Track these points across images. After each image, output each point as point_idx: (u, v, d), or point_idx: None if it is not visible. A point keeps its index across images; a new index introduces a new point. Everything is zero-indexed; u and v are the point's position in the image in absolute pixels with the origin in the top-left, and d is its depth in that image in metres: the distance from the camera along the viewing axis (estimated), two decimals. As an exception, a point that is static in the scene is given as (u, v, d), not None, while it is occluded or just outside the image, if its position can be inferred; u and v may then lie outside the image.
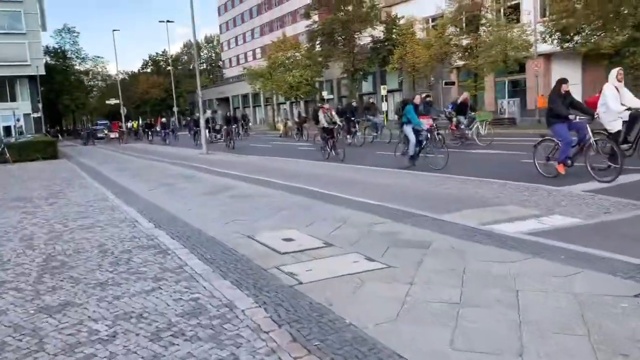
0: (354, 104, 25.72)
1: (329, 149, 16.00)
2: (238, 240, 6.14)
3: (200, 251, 5.68)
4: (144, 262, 5.38)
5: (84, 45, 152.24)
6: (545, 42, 27.12)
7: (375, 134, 22.61)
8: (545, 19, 28.65)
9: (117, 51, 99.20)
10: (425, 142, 12.44)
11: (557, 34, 27.01)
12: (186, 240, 6.23)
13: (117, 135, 45.79)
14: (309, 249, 5.57)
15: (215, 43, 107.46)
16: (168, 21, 59.17)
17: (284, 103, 60.26)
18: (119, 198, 10.18)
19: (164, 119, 38.75)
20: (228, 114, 25.46)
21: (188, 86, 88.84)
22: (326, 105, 16.44)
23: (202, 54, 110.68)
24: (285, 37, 50.76)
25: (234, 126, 28.38)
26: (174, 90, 62.12)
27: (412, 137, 12.40)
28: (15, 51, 53.52)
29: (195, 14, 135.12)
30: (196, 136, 33.68)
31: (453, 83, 36.57)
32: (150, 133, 41.18)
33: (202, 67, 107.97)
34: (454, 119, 18.16)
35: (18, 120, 52.88)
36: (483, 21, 32.63)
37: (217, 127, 29.66)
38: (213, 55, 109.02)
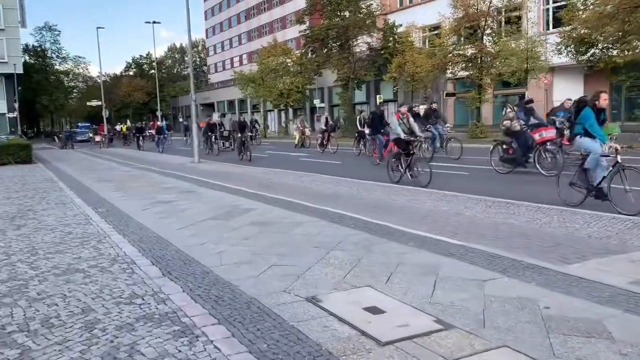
0: (418, 108, 22.00)
1: (402, 169, 11.78)
2: (298, 308, 4.02)
3: (245, 332, 3.55)
4: (161, 356, 3.23)
5: (65, 45, 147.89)
6: (561, 54, 25.54)
7: (437, 146, 17.38)
8: (560, 29, 27.10)
9: (99, 52, 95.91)
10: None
11: (572, 46, 25.55)
12: (217, 306, 4.09)
13: (98, 139, 42.55)
14: (420, 334, 3.48)
15: (200, 48, 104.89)
16: (154, 22, 56.18)
17: (272, 110, 58.20)
18: (106, 221, 7.96)
19: (160, 122, 34.28)
20: (241, 118, 22.47)
21: (171, 90, 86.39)
22: (403, 108, 12.25)
23: (186, 58, 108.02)
24: (277, 42, 48.68)
25: (249, 134, 23.11)
26: (158, 94, 59.50)
27: (597, 158, 7.93)
28: (-9, 47, 50.42)
29: (180, 17, 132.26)
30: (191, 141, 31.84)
31: (454, 94, 34.92)
32: (141, 138, 34.49)
33: (186, 72, 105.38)
34: (566, 132, 12.45)
35: (-8, 119, 49.73)
36: (488, 31, 31.07)
37: (226, 133, 25.65)
38: (198, 60, 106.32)
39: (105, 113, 43.52)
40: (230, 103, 70.74)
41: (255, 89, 44.32)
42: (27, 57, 64.70)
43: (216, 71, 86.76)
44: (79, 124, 69.19)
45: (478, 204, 8.56)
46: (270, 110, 59.80)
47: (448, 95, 34.22)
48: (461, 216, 7.74)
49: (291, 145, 28.41)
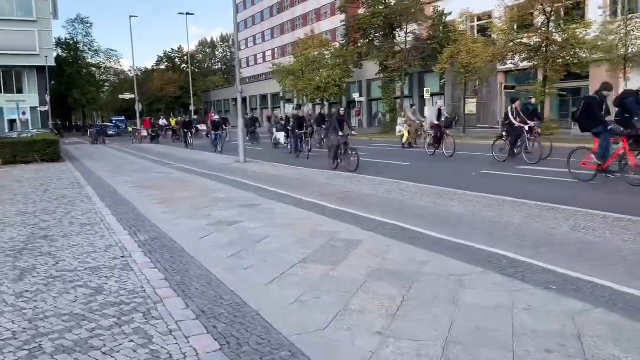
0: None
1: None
2: None
3: None
4: None
5: (96, 38, 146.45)
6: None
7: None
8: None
9: (130, 45, 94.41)
10: None
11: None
12: None
13: (146, 135, 38.31)
14: None
15: (230, 42, 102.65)
16: (188, 13, 53.75)
17: (305, 105, 55.40)
18: (152, 261, 5.26)
19: (216, 116, 27.76)
20: (322, 110, 19.43)
21: (202, 85, 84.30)
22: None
23: (217, 53, 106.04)
24: (314, 34, 45.80)
25: (343, 135, 14.16)
26: (191, 88, 57.19)
27: None
28: (24, 40, 48.65)
29: (211, 11, 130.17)
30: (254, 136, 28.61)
31: (514, 87, 31.58)
32: (189, 134, 28.77)
33: (216, 67, 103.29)
34: None
35: (24, 113, 48.05)
36: (554, 18, 27.77)
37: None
38: (228, 54, 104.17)
39: (138, 107, 41.14)
40: (263, 97, 68.22)
41: (295, 82, 41.46)
42: (59, 51, 63.12)
43: (247, 65, 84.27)
44: (113, 118, 67.33)
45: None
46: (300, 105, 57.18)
47: (507, 88, 30.87)
48: None
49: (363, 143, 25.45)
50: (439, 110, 17.49)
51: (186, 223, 7.26)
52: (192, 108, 53.97)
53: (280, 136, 24.50)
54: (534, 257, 5.13)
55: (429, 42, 35.95)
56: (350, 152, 13.97)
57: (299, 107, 29.62)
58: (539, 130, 15.72)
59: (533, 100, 16.44)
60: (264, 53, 78.44)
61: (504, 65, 30.10)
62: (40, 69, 50.15)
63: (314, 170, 14.15)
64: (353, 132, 15.61)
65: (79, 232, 6.78)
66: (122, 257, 5.50)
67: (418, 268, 4.84)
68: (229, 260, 5.31)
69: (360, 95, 44.00)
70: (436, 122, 17.25)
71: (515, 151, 14.35)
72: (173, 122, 39.70)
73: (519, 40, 28.25)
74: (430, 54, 35.03)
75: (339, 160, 14.38)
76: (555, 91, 28.68)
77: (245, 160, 17.69)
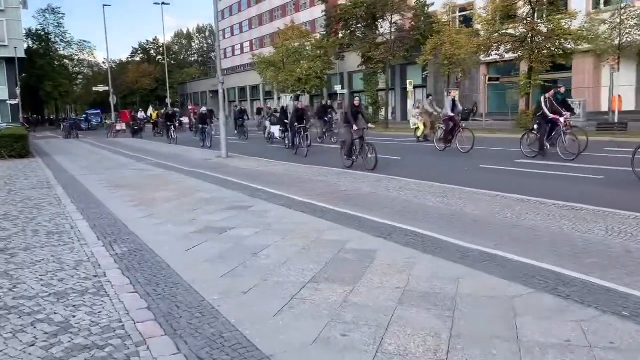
0: None
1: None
2: None
3: None
4: None
5: (69, 29, 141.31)
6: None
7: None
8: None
9: (104, 37, 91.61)
10: None
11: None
12: None
13: (123, 127, 36.53)
14: None
15: (207, 33, 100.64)
16: (164, 3, 51.92)
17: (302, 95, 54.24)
18: (132, 283, 4.34)
19: (203, 109, 24.98)
20: (324, 101, 17.80)
21: (178, 77, 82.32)
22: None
23: (193, 44, 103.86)
24: (294, 24, 44.65)
25: (359, 129, 12.58)
26: (167, 80, 55.55)
27: None
28: (-9, 30, 46.49)
29: (186, 2, 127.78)
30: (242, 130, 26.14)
31: (498, 79, 31.07)
32: (172, 128, 25.82)
33: (192, 59, 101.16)
34: None
35: (-8, 107, 45.97)
36: (538, 8, 27.25)
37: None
38: (205, 46, 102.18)
39: (113, 99, 39.52)
40: (242, 90, 66.82)
41: (275, 74, 40.31)
42: (30, 42, 60.72)
43: (225, 57, 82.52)
44: (88, 111, 65.12)
45: None
46: (297, 97, 55.91)
47: (491, 80, 30.34)
48: None
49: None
50: (453, 101, 16.08)
51: (169, 230, 6.34)
52: (168, 101, 52.39)
53: (275, 130, 22.57)
54: (582, 271, 4.36)
55: (412, 33, 35.20)
56: (367, 148, 12.19)
57: (297, 98, 26.80)
58: (572, 123, 14.25)
59: (562, 90, 15.06)
60: (242, 44, 76.90)
61: (488, 57, 29.52)
62: (9, 61, 47.99)
63: (302, 166, 13.26)
64: (370, 125, 13.21)
65: (45, 244, 5.80)
66: (95, 276, 4.57)
67: (454, 288, 4.02)
68: (224, 281, 4.42)
69: (343, 88, 43.08)
70: (450, 114, 15.56)
71: (547, 146, 12.90)
72: (154, 114, 36.87)
73: (503, 31, 27.68)
74: (413, 45, 34.32)
75: (354, 158, 12.61)
76: (540, 82, 28.21)
77: (227, 155, 16.72)
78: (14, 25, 48.27)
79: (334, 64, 43.44)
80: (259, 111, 35.95)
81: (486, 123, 29.56)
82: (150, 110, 39.75)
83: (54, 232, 6.39)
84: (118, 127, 36.67)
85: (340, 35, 38.30)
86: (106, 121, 40.14)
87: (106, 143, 27.96)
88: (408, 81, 35.65)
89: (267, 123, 23.73)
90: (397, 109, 42.21)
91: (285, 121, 19.03)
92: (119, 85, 69.35)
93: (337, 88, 42.66)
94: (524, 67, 31.11)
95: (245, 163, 14.90)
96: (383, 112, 37.36)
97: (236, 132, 26.66)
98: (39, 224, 6.92)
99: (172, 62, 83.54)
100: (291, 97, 20.69)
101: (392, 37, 33.49)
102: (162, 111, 37.40)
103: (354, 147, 12.57)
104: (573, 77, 31.74)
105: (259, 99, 62.01)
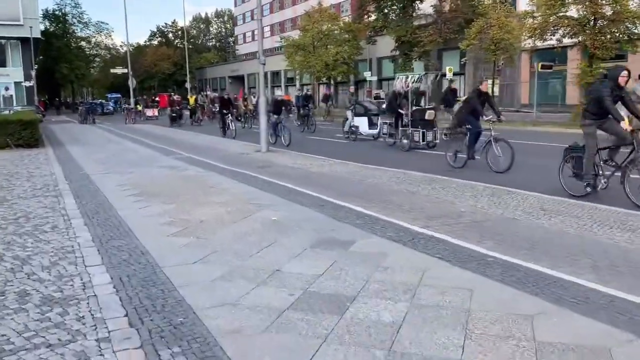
0: None
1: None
2: None
3: None
4: None
5: (87, 9, 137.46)
6: None
7: None
8: None
9: (119, 20, 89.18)
10: None
11: None
12: None
13: (155, 114, 33.06)
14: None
15: (226, 18, 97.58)
16: (184, -17, 49.14)
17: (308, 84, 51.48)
18: None
19: (279, 94, 20.88)
20: (420, 86, 13.94)
21: (196, 62, 79.54)
22: None
23: (211, 29, 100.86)
24: (322, 6, 41.62)
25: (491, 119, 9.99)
26: (187, 63, 52.85)
27: None
28: (6, 9, 43.92)
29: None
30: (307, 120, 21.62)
31: (551, 66, 27.99)
32: (229, 117, 20.13)
33: (210, 44, 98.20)
34: None
35: (7, 89, 43.61)
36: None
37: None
38: (223, 30, 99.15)
39: (132, 82, 36.89)
40: (263, 75, 63.80)
41: (305, 58, 37.35)
42: (47, 24, 58.23)
43: (245, 42, 79.66)
44: (108, 95, 62.67)
45: None
46: (305, 84, 53.19)
47: (544, 67, 27.25)
48: None
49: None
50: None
51: (249, 302, 3.64)
52: (188, 85, 49.78)
53: (362, 123, 17.27)
54: None
55: (454, 14, 32.03)
56: (495, 144, 9.44)
57: (420, 79, 20.58)
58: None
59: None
60: (262, 28, 73.76)
61: (543, 42, 26.43)
62: (25, 42, 45.55)
63: (367, 167, 10.56)
64: (502, 118, 10.09)
65: (37, 345, 3.15)
66: None
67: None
68: None
69: (372, 75, 40.14)
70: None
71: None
72: (191, 99, 30.17)
73: (562, 14, 24.59)
74: (459, 28, 31.24)
75: (477, 158, 9.86)
76: (602, 71, 25.15)
77: (268, 149, 14.05)
78: (30, 4, 45.72)
79: (362, 49, 40.50)
80: (327, 98, 31.41)
81: (537, 115, 26.70)
82: (189, 95, 33.67)
83: (55, 298, 3.74)
84: (149, 113, 33.08)
85: (374, 17, 35.28)
86: (138, 106, 35.48)
87: (125, 130, 25.35)
88: (447, 68, 32.60)
89: (349, 113, 17.88)
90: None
91: (401, 111, 14.06)
92: (137, 69, 66.73)
93: (367, 74, 39.69)
94: (573, 54, 28.18)
95: (292, 160, 12.21)
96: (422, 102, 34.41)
97: (298, 123, 22.48)
98: (33, 274, 4.27)
99: (190, 46, 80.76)
100: (404, 78, 15.01)
101: (441, 17, 30.39)
102: (211, 95, 32.73)
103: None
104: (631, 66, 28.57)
105: (280, 86, 59.16)
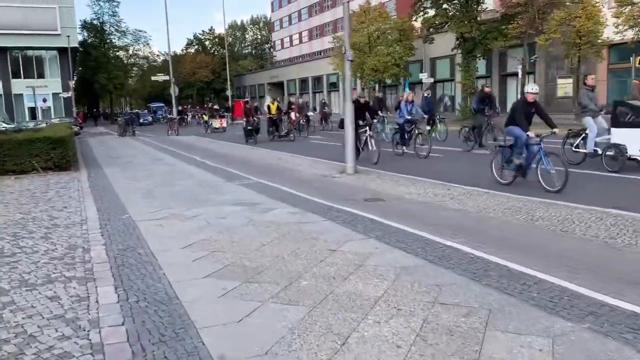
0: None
1: None
2: None
3: None
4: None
5: (123, 17, 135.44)
6: None
7: None
8: None
9: (158, 29, 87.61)
10: None
11: None
12: None
13: (223, 125, 29.73)
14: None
15: (261, 24, 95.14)
16: (223, -12, 46.30)
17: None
18: None
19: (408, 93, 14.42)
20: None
21: (234, 69, 77.11)
22: None
23: (247, 36, 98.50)
24: (370, 6, 38.19)
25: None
26: (228, 71, 50.23)
27: None
28: (44, 18, 42.01)
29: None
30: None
31: (643, 62, 23.92)
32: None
33: (247, 51, 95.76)
34: None
35: (45, 100, 41.61)
36: None
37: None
38: (259, 37, 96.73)
39: (174, 90, 34.14)
40: (303, 81, 60.79)
41: (361, 59, 33.87)
42: (85, 35, 56.42)
43: (282, 47, 76.86)
44: (150, 104, 60.61)
45: None
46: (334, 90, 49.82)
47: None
48: None
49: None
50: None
51: None
52: (228, 93, 47.05)
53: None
54: None
55: (518, 9, 28.10)
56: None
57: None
58: None
59: None
60: (300, 34, 70.88)
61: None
62: (62, 52, 43.56)
63: (534, 201, 7.11)
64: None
65: None
66: None
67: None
68: None
69: (428, 77, 36.48)
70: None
71: None
72: (273, 107, 22.31)
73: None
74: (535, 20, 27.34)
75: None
76: None
77: (355, 171, 10.72)
78: (67, 13, 43.77)
79: (415, 49, 36.88)
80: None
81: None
82: (268, 101, 25.42)
83: None
84: (216, 125, 29.38)
85: (433, 12, 31.64)
86: (205, 117, 31.62)
87: (168, 143, 22.36)
88: (518, 67, 28.80)
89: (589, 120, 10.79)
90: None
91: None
92: (175, 77, 64.61)
93: (423, 76, 36.03)
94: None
95: (401, 187, 8.83)
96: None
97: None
98: None
99: (228, 54, 78.41)
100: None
101: (535, 8, 26.52)
102: (299, 101, 25.91)
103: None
104: None
105: (322, 91, 55.98)
